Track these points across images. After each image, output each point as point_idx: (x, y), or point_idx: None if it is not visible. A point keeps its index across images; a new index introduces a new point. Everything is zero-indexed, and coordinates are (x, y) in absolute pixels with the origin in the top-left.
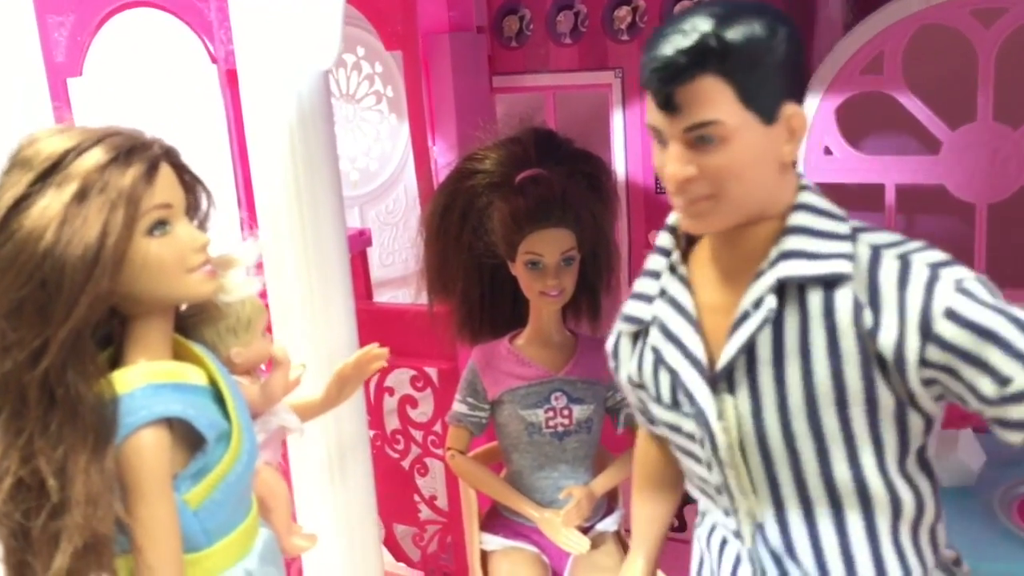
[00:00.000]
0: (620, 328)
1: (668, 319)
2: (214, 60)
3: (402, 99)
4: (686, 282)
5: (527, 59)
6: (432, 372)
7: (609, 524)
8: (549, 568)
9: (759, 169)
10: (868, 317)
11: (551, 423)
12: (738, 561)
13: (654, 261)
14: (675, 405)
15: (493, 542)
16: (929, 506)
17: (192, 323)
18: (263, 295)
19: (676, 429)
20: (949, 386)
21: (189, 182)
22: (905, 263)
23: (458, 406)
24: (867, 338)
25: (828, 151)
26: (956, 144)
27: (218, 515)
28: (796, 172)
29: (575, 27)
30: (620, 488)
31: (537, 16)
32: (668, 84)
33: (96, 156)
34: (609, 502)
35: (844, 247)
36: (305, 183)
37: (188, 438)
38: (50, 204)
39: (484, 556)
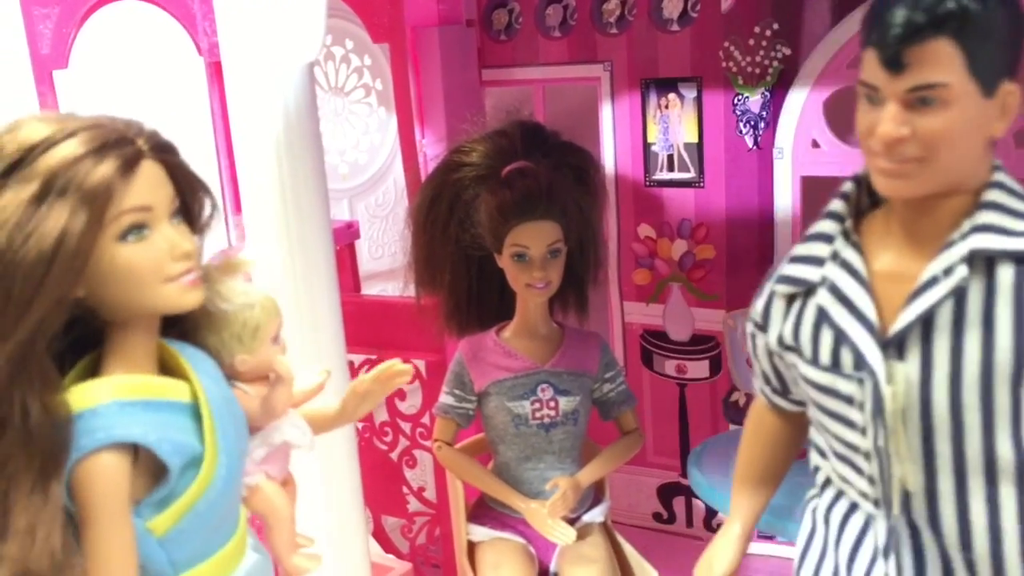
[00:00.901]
0: (775, 288)
1: (840, 281)
2: (200, 52)
3: (391, 92)
4: (859, 248)
5: (516, 52)
6: (420, 364)
7: (596, 515)
8: (536, 559)
9: (970, 139)
10: None
11: (537, 415)
12: (865, 528)
13: (825, 225)
14: (835, 366)
15: (480, 533)
16: None
17: (193, 328)
18: None
19: (830, 392)
20: None
21: (183, 182)
22: None
23: (445, 398)
24: None
25: (816, 144)
26: None
27: (186, 545)
28: (992, 153)
29: (564, 20)
30: (607, 479)
31: (526, 10)
32: (901, 42)
33: (66, 150)
34: (596, 493)
35: None
36: (289, 176)
37: (154, 462)
38: (8, 203)
39: (471, 547)
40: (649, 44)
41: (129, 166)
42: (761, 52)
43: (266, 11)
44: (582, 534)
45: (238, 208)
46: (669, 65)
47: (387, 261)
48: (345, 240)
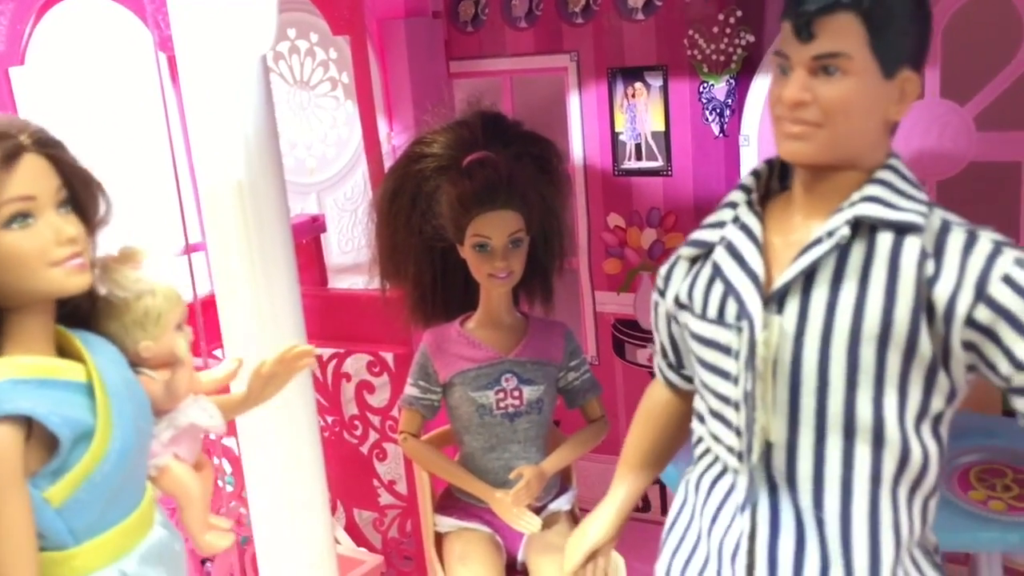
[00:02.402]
0: (681, 252)
1: (736, 240)
2: (157, 47)
3: None
4: (760, 218)
5: (483, 43)
6: (388, 357)
7: (562, 503)
8: (503, 548)
9: (866, 115)
10: (930, 266)
11: (502, 404)
12: (729, 492)
13: (733, 195)
14: (720, 317)
15: (447, 523)
16: (931, 473)
17: (94, 317)
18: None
19: (711, 343)
20: (986, 352)
21: (71, 175)
22: (972, 236)
23: (410, 389)
24: (924, 285)
25: None
26: (905, 121)
27: (85, 514)
28: (890, 141)
29: (530, 11)
30: (573, 467)
31: (492, 1)
32: (813, 13)
33: None
34: (562, 482)
35: (920, 208)
36: (245, 170)
37: (48, 436)
38: None
39: (438, 538)
40: (615, 33)
41: (10, 158)
42: (725, 40)
43: (218, 4)
44: (548, 522)
45: (196, 202)
46: (635, 54)
47: (356, 255)
48: (311, 234)
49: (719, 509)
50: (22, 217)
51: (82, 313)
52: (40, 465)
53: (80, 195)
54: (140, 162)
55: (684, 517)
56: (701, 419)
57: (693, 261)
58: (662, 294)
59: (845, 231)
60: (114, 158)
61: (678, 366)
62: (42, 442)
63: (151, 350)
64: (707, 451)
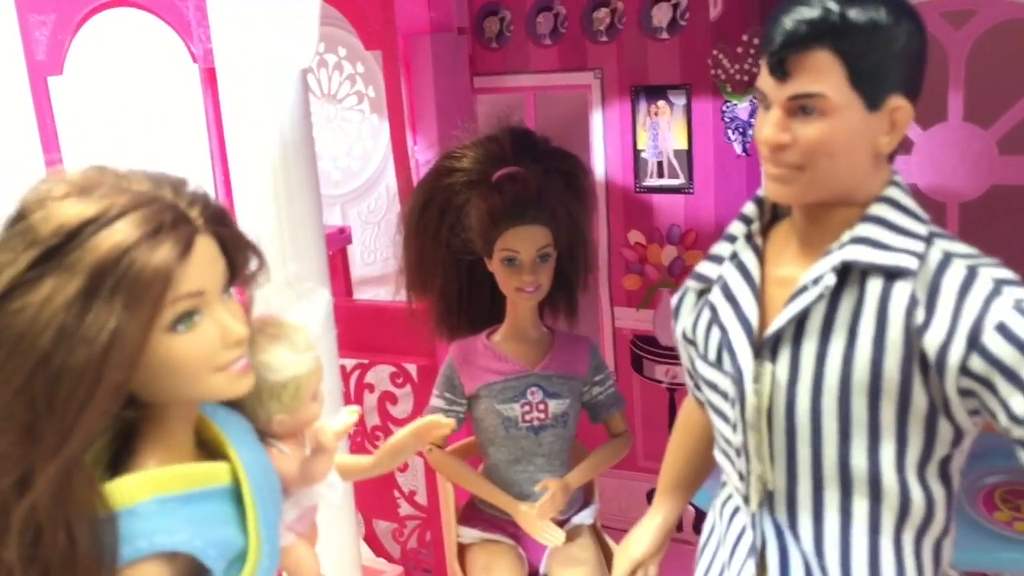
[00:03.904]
0: (688, 284)
1: (732, 281)
2: (194, 59)
3: (383, 99)
4: (759, 252)
5: (507, 60)
6: (411, 368)
7: (585, 517)
8: (525, 560)
9: (851, 151)
10: (920, 314)
11: (527, 417)
12: (744, 531)
13: (734, 227)
14: (718, 363)
15: (470, 535)
16: (939, 517)
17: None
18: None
19: (714, 387)
20: (985, 400)
21: (235, 251)
22: (972, 273)
23: (436, 401)
24: (914, 334)
25: None
26: (928, 144)
27: None
28: (890, 167)
29: (555, 28)
30: (596, 482)
31: (517, 17)
32: (783, 50)
33: (117, 236)
34: (585, 495)
35: (915, 245)
36: (283, 182)
37: (195, 562)
38: (50, 298)
39: (461, 549)
40: (639, 52)
41: (186, 249)
42: (749, 60)
43: (260, 18)
44: (571, 536)
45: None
46: (658, 73)
47: (379, 266)
48: (337, 245)
49: (736, 544)
50: (188, 316)
51: None
52: None
53: (239, 271)
54: (175, 172)
55: (713, 542)
56: (717, 449)
57: (700, 293)
58: (675, 324)
59: (830, 279)
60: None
61: (700, 389)
62: (187, 570)
63: (285, 424)
64: (728, 479)
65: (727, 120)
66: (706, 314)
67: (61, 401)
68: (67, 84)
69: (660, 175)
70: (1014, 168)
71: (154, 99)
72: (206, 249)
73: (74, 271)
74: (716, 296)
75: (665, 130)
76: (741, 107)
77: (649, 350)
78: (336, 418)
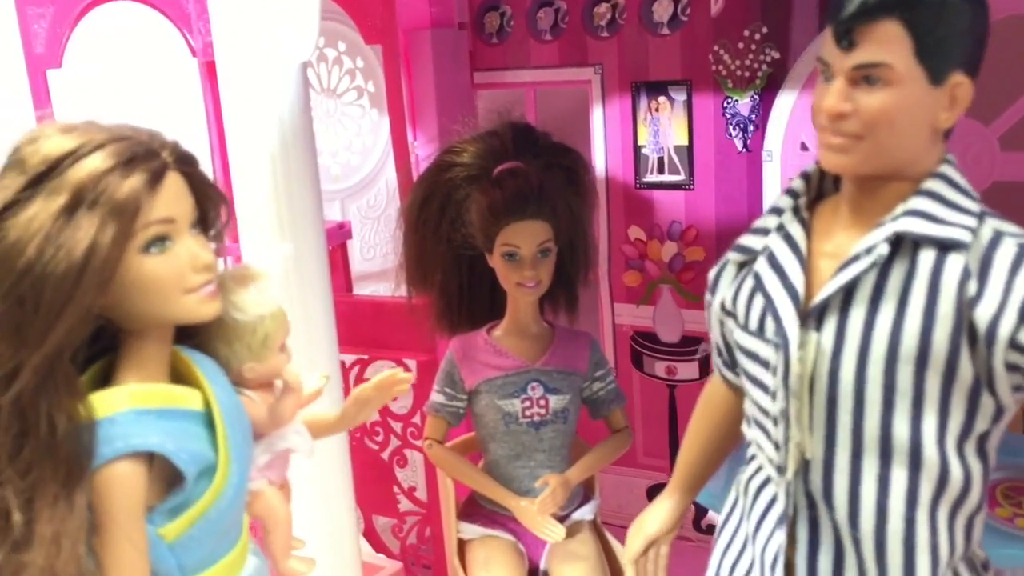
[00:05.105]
0: (729, 256)
1: (778, 252)
2: (194, 53)
3: (383, 94)
4: (806, 225)
5: (508, 55)
6: (411, 364)
7: (585, 513)
8: (525, 556)
9: (911, 124)
10: (972, 286)
11: (527, 413)
12: (773, 501)
13: (780, 200)
14: (760, 331)
15: (470, 530)
16: (975, 492)
17: (204, 338)
18: None
19: (753, 356)
20: None
21: (202, 192)
22: (1023, 251)
23: (436, 396)
24: (966, 306)
25: (804, 147)
26: None
27: (196, 550)
28: (945, 145)
29: (555, 24)
30: (596, 478)
31: (518, 13)
32: (853, 20)
33: (94, 163)
34: (585, 491)
35: (968, 220)
36: (283, 176)
37: (168, 470)
38: (37, 214)
39: (461, 545)
40: (639, 47)
41: (156, 179)
42: (750, 56)
43: (260, 12)
44: (571, 532)
45: (231, 208)
46: (659, 68)
47: (379, 262)
48: (337, 240)
49: (763, 517)
50: (160, 241)
51: (188, 332)
52: (158, 500)
53: (208, 213)
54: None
55: (734, 518)
56: (747, 421)
57: (741, 266)
58: (712, 296)
59: (883, 249)
60: None
61: (732, 365)
62: (163, 477)
63: (256, 371)
64: (754, 454)
65: (728, 116)
66: (749, 283)
67: (45, 302)
68: (66, 77)
69: (661, 171)
70: (1015, 165)
71: (153, 93)
72: (175, 183)
73: (58, 192)
74: (761, 266)
75: (666, 126)
76: (742, 103)
77: (649, 346)
78: (305, 382)
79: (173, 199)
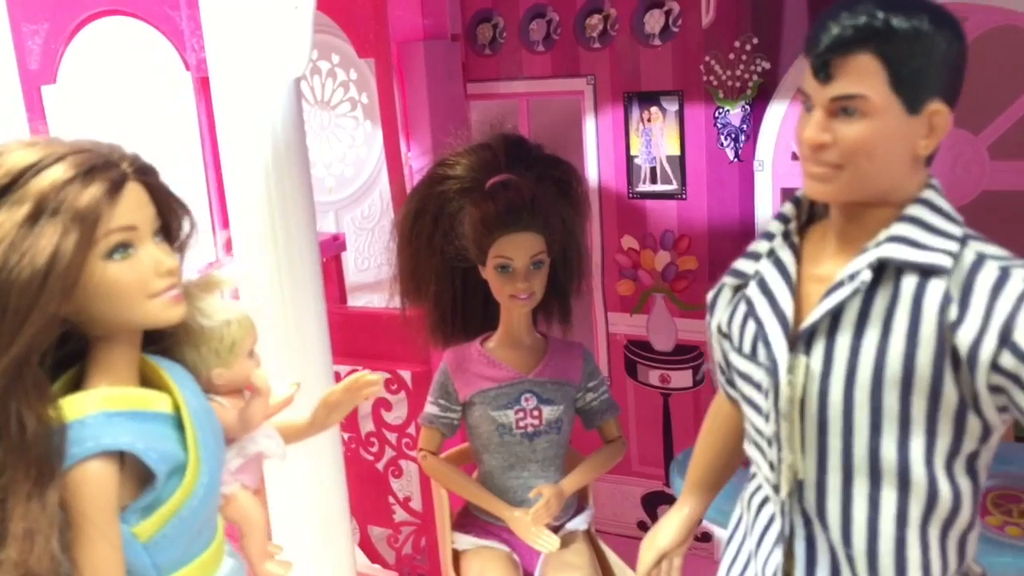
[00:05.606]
0: (725, 280)
1: (769, 277)
2: (188, 68)
3: (376, 106)
4: (796, 250)
5: (501, 66)
6: (406, 375)
7: (579, 523)
8: (520, 567)
9: (890, 153)
10: (953, 311)
11: (521, 424)
12: (772, 520)
13: (771, 225)
14: (753, 355)
15: (465, 541)
16: (965, 510)
17: (172, 344)
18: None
19: (747, 378)
20: (1014, 396)
21: (164, 202)
22: (1005, 274)
23: (430, 407)
24: (947, 330)
25: (795, 156)
26: None
27: (170, 549)
28: (927, 170)
29: (548, 35)
30: (590, 487)
31: (510, 24)
32: (828, 53)
33: (55, 174)
34: (579, 501)
35: (950, 245)
36: (277, 189)
37: (140, 470)
38: (1, 224)
39: (456, 555)
40: (631, 58)
41: (115, 188)
42: (741, 66)
43: (254, 26)
44: (566, 542)
45: (226, 222)
46: (651, 79)
47: (373, 273)
48: (331, 252)
49: (763, 533)
50: (123, 248)
51: (156, 339)
52: (131, 500)
53: (170, 222)
54: (169, 180)
55: (739, 533)
56: (747, 442)
57: (736, 289)
58: (710, 318)
59: (866, 275)
60: None
61: (733, 383)
62: (134, 477)
63: (224, 377)
64: (756, 472)
65: (719, 126)
66: (742, 308)
67: (11, 308)
68: (60, 93)
69: (653, 181)
70: (1005, 174)
71: (148, 108)
72: (136, 193)
73: (21, 203)
74: (753, 291)
75: (658, 136)
76: (733, 113)
77: (643, 355)
78: (276, 390)
79: (134, 207)
